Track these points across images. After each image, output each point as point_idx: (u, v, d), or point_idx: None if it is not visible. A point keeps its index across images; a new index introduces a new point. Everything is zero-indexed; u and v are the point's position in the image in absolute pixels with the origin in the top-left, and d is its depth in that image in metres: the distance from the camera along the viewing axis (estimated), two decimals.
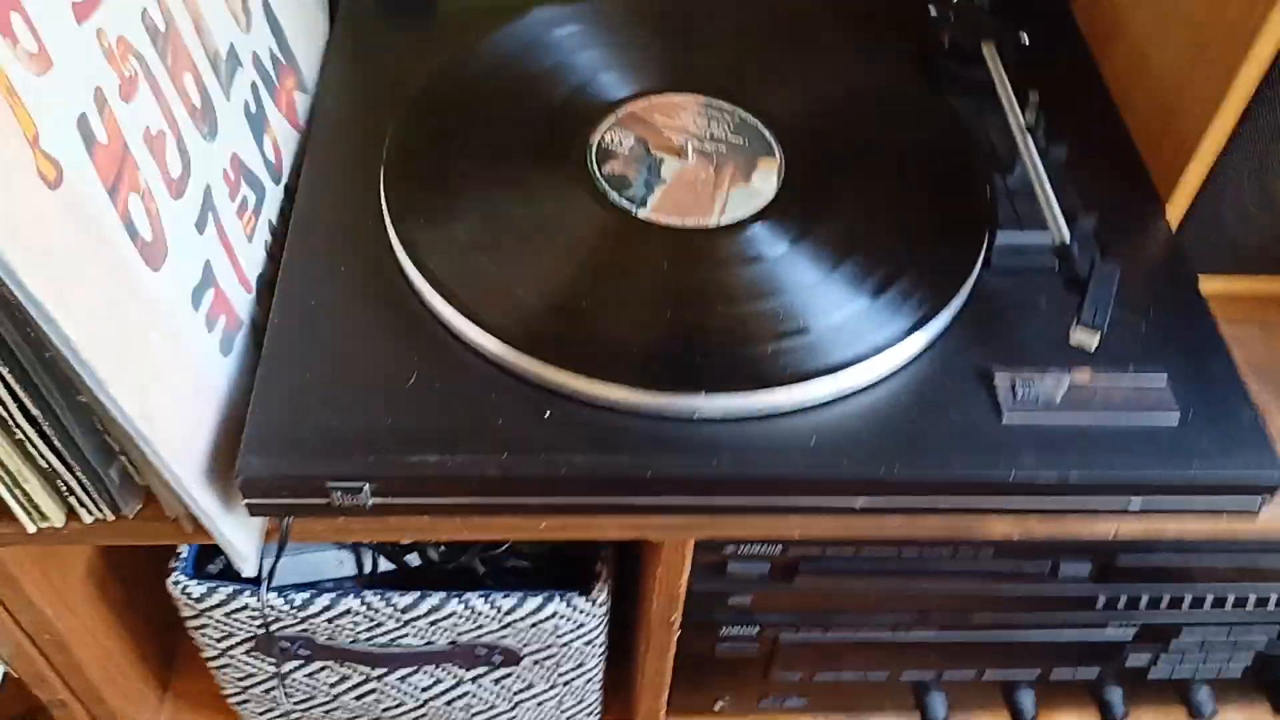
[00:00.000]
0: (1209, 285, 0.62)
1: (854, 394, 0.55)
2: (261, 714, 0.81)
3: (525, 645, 0.73)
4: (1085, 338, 0.53)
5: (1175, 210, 0.64)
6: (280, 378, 0.53)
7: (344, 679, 0.77)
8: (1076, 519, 0.56)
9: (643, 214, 0.60)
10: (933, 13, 0.72)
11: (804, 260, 0.58)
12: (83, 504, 0.54)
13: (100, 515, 0.55)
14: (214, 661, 0.76)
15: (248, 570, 0.55)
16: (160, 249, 0.48)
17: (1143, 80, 0.69)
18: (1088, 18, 0.77)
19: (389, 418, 0.52)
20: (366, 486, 0.51)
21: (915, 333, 0.55)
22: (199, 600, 0.68)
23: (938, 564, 0.66)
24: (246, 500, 0.51)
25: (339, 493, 0.51)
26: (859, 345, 0.55)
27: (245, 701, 0.81)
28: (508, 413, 0.53)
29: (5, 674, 0.69)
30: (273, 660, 0.74)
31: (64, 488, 0.53)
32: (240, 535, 0.54)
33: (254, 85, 0.60)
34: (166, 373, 0.48)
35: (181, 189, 0.51)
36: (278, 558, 0.57)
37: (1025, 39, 0.70)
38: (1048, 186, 0.59)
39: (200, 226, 0.52)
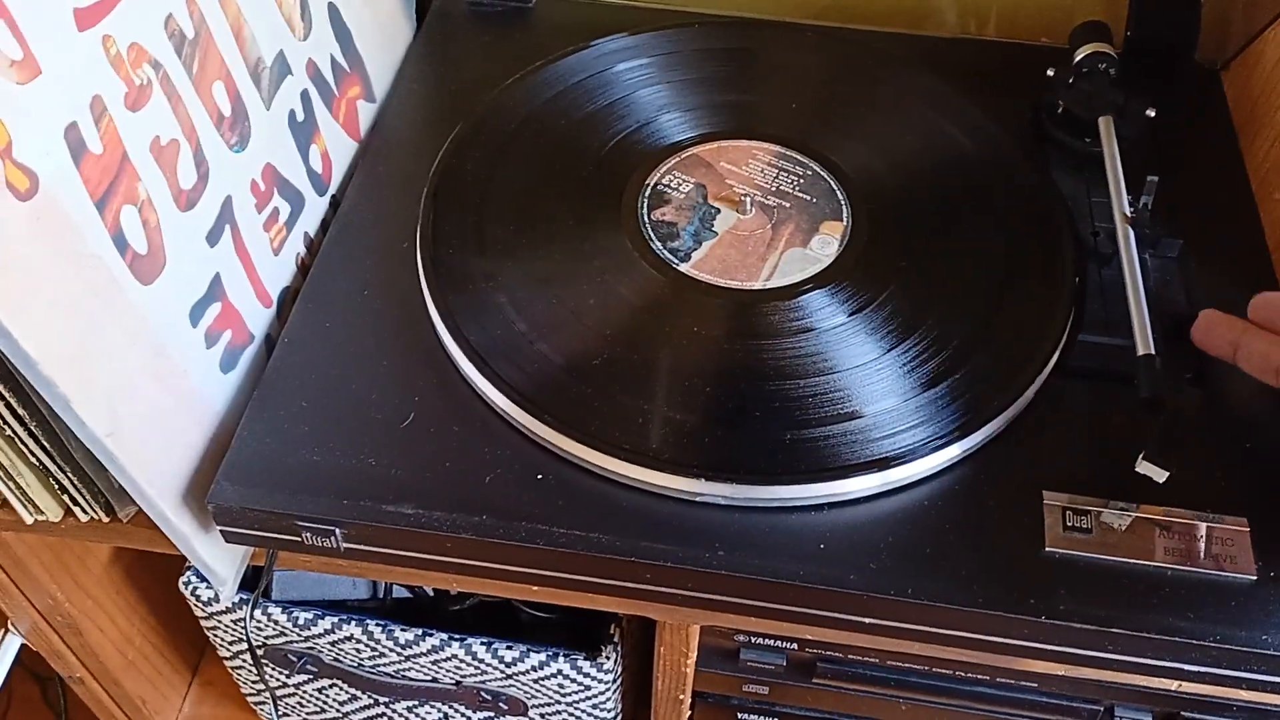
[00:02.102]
0: None
1: (877, 496, 0.49)
2: (279, 715, 0.81)
3: (531, 698, 0.69)
4: (1153, 471, 0.46)
5: None
6: (275, 402, 0.52)
7: (353, 698, 0.75)
8: (1127, 670, 0.49)
9: (683, 268, 0.56)
10: (1050, 73, 0.65)
11: (851, 341, 0.53)
12: (76, 503, 0.53)
13: (95, 515, 0.54)
14: (229, 661, 0.76)
15: (225, 594, 0.54)
16: (155, 262, 0.47)
17: None
18: (1238, 93, 0.68)
19: (373, 459, 0.49)
20: (337, 531, 0.48)
21: (957, 438, 0.49)
22: (208, 604, 0.68)
23: (975, 686, 0.59)
24: (220, 527, 0.50)
25: (309, 533, 0.48)
26: (891, 444, 0.49)
27: (262, 703, 0.81)
28: (499, 470, 0.49)
29: (22, 645, 0.69)
30: (282, 670, 0.73)
31: (57, 486, 0.52)
32: (220, 557, 0.52)
33: (305, 93, 0.59)
34: (144, 390, 0.46)
35: (193, 200, 0.49)
36: (264, 585, 0.55)
37: (1152, 113, 0.62)
38: (1140, 289, 0.52)
39: (213, 239, 0.51)
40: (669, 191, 0.59)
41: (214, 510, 0.49)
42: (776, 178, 0.60)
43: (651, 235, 0.57)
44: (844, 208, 0.59)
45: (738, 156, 0.61)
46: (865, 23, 0.74)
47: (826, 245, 0.57)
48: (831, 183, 0.60)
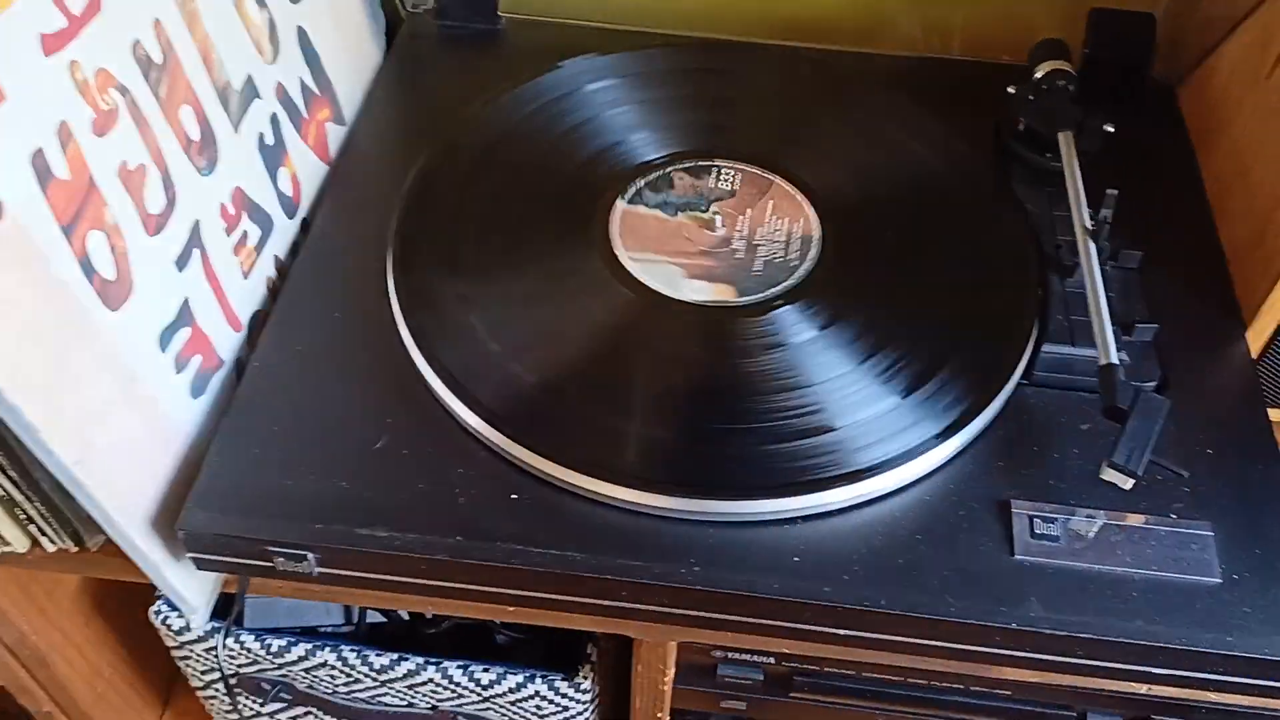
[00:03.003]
0: None
1: (850, 508, 0.49)
2: None
3: None
4: (1118, 479, 0.47)
5: (1258, 335, 0.57)
6: (246, 427, 0.51)
7: None
8: (1098, 674, 0.49)
9: (617, 202, 0.58)
10: (1011, 91, 0.66)
11: (821, 356, 0.54)
12: (44, 533, 0.53)
13: (62, 545, 0.54)
14: (201, 692, 0.75)
15: (197, 623, 0.53)
16: (124, 287, 0.46)
17: (1240, 187, 0.61)
18: (1192, 110, 0.70)
19: (346, 482, 0.49)
20: (310, 555, 0.48)
21: (927, 450, 0.50)
22: (179, 633, 0.67)
23: (950, 695, 0.60)
24: (191, 554, 0.49)
25: (282, 558, 0.48)
26: (861, 457, 0.50)
27: None
28: (473, 491, 0.50)
29: None
30: (256, 699, 0.72)
31: (23, 516, 0.51)
32: (191, 585, 0.52)
33: (273, 117, 0.59)
34: (114, 416, 0.46)
35: (162, 225, 0.49)
36: (236, 612, 0.55)
37: (1110, 128, 0.64)
38: (1101, 300, 0.53)
39: (181, 263, 0.51)
40: (705, 178, 0.61)
41: (184, 537, 0.48)
42: (772, 227, 0.59)
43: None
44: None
45: (784, 206, 0.61)
46: (829, 42, 0.75)
47: (700, 293, 0.56)
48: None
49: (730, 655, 0.60)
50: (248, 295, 0.57)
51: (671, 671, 0.60)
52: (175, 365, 0.50)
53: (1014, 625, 0.46)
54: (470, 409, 0.51)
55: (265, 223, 0.58)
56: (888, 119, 0.66)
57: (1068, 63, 0.66)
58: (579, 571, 0.48)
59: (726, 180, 0.61)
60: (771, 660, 0.60)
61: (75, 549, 0.54)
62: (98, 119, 0.45)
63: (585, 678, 0.65)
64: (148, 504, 0.49)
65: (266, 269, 0.59)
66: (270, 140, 0.58)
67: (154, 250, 0.49)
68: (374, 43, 0.72)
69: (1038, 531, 0.48)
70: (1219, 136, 0.65)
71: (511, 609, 0.52)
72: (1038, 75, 0.66)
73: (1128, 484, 0.47)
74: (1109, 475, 0.47)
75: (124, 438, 0.47)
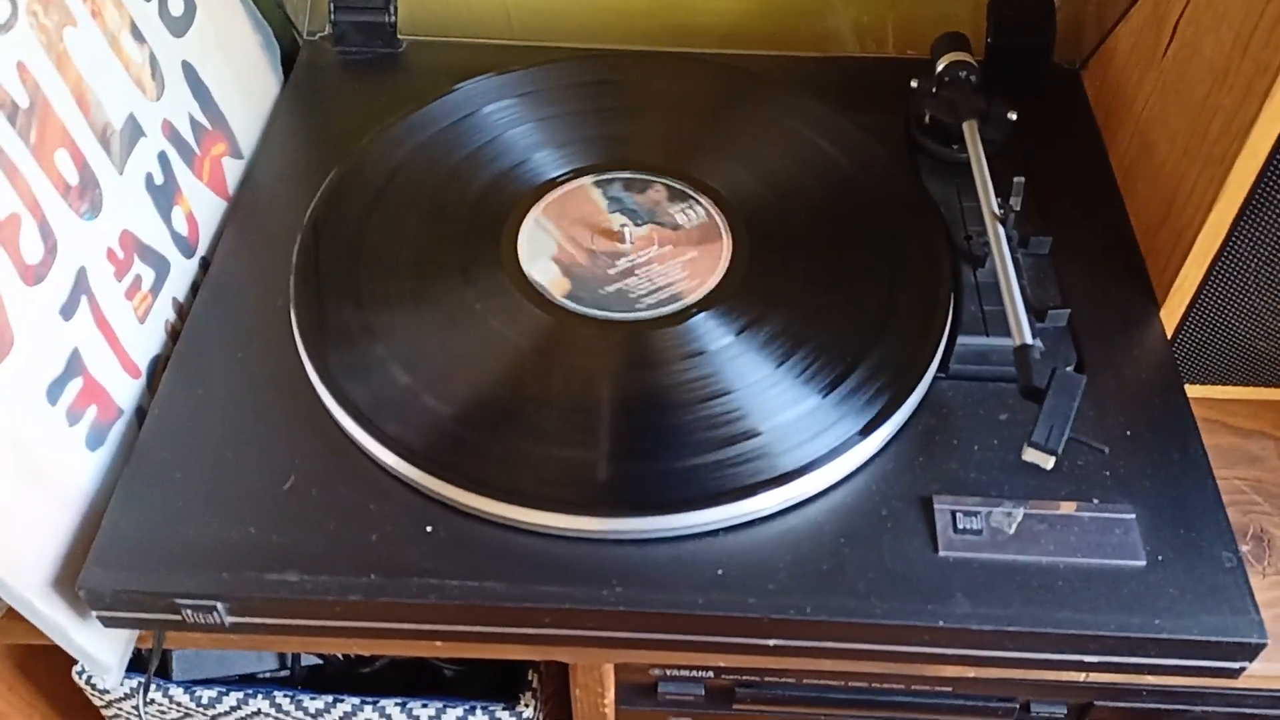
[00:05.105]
0: (1224, 393, 0.56)
1: (771, 517, 0.49)
2: None
3: None
4: (1038, 458, 0.47)
5: (1171, 312, 0.57)
6: (148, 476, 0.49)
7: None
8: (1031, 666, 0.49)
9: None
10: (914, 85, 0.66)
11: (737, 361, 0.53)
12: None
13: None
14: None
15: (110, 682, 0.51)
16: (2, 342, 0.44)
17: (1146, 166, 0.62)
18: (1096, 92, 0.70)
19: (254, 527, 0.48)
20: (220, 605, 0.46)
21: (850, 447, 0.49)
22: (104, 693, 0.65)
23: (891, 695, 0.59)
24: (96, 613, 0.47)
25: (190, 610, 0.46)
26: (777, 463, 0.49)
27: None
28: (387, 526, 0.48)
29: None
30: None
31: None
32: (101, 644, 0.50)
33: (162, 155, 0.57)
34: (2, 477, 0.44)
35: (41, 275, 0.47)
36: (152, 668, 0.53)
37: (1014, 116, 0.64)
38: (1013, 283, 0.53)
39: (67, 312, 0.49)
40: (610, 190, 0.59)
41: (86, 596, 0.46)
42: (684, 242, 0.58)
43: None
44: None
45: (692, 212, 0.60)
46: (764, 49, 0.74)
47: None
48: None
49: (669, 672, 0.59)
50: (145, 340, 0.55)
51: (611, 693, 0.59)
52: (68, 418, 0.49)
53: (942, 624, 0.46)
54: (379, 442, 0.49)
55: (160, 264, 0.56)
56: (793, 120, 0.65)
57: (969, 54, 0.66)
58: (500, 603, 0.46)
59: (632, 191, 0.60)
60: (711, 674, 0.59)
61: None
62: None
63: (527, 705, 0.64)
64: (47, 564, 0.47)
65: (165, 312, 0.57)
66: (160, 179, 0.57)
67: (34, 301, 0.47)
68: (270, 73, 0.71)
69: (960, 526, 0.48)
70: (1123, 117, 0.65)
71: (439, 644, 0.50)
72: (939, 68, 0.66)
73: (1049, 463, 0.47)
74: (1030, 456, 0.47)
75: (14, 497, 0.45)
